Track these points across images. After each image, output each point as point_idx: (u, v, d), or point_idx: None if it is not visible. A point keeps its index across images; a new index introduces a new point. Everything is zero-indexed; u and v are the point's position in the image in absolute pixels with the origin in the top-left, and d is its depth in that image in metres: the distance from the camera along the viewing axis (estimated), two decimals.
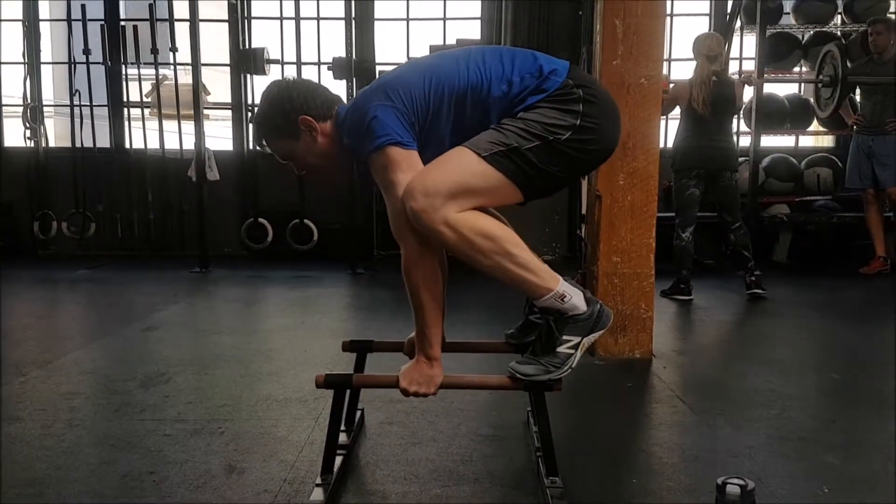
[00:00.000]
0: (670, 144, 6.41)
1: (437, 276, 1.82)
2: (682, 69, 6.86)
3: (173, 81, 6.35)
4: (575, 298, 1.82)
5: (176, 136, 6.43)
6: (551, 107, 1.78)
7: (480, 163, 1.74)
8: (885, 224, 5.54)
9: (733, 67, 6.44)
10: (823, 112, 5.26)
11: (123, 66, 6.54)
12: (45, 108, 6.75)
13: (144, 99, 6.65)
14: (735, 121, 4.70)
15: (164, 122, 6.50)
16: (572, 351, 1.82)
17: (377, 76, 5.90)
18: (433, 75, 1.81)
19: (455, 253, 1.81)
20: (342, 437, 2.07)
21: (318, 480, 1.85)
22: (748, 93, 5.27)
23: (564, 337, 1.82)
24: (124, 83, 6.64)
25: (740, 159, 5.01)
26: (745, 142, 6.27)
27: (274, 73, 6.53)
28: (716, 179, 4.58)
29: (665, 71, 5.49)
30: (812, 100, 6.15)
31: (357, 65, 6.20)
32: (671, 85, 4.95)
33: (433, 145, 1.82)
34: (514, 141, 1.75)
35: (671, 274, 4.51)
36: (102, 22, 6.53)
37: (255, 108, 1.97)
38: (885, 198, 5.45)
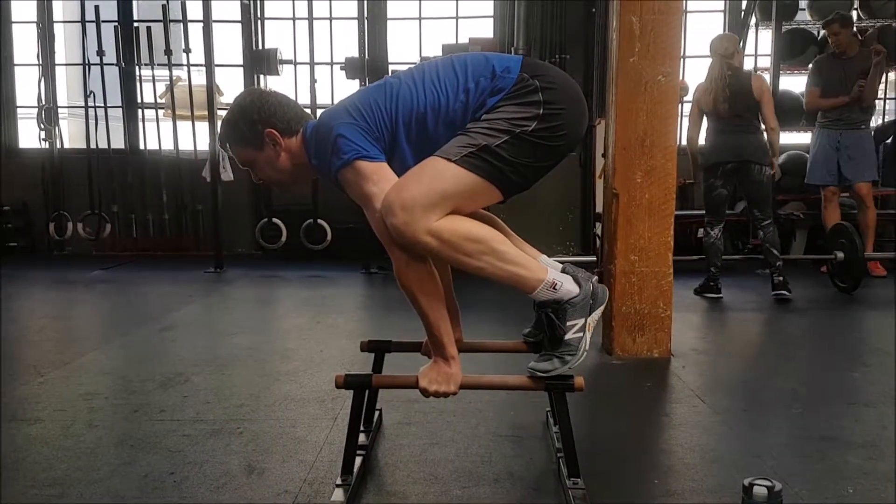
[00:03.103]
0: (685, 142, 6.44)
1: (433, 276, 1.81)
2: (697, 66, 6.83)
3: (187, 82, 6.38)
4: (566, 284, 1.83)
5: (190, 137, 6.46)
6: (512, 103, 1.78)
7: (453, 167, 1.74)
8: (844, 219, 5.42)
9: (748, 64, 6.40)
10: None
11: (137, 68, 6.57)
12: (60, 110, 6.77)
13: (158, 100, 6.67)
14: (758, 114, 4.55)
15: (179, 123, 6.52)
16: (580, 334, 1.83)
17: (389, 75, 5.89)
18: (394, 96, 1.82)
19: (443, 259, 1.82)
20: (361, 438, 2.06)
21: (339, 481, 1.85)
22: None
23: (568, 323, 1.83)
24: (138, 84, 6.67)
25: None
26: None
27: (287, 73, 6.55)
28: (744, 173, 4.50)
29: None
30: None
31: (370, 64, 6.20)
32: (688, 86, 4.94)
33: (397, 165, 1.82)
34: (482, 140, 1.75)
35: (683, 273, 4.48)
36: (116, 23, 6.55)
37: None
38: (853, 194, 5.36)
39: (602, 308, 1.90)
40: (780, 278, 4.49)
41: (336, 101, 1.97)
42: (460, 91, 1.80)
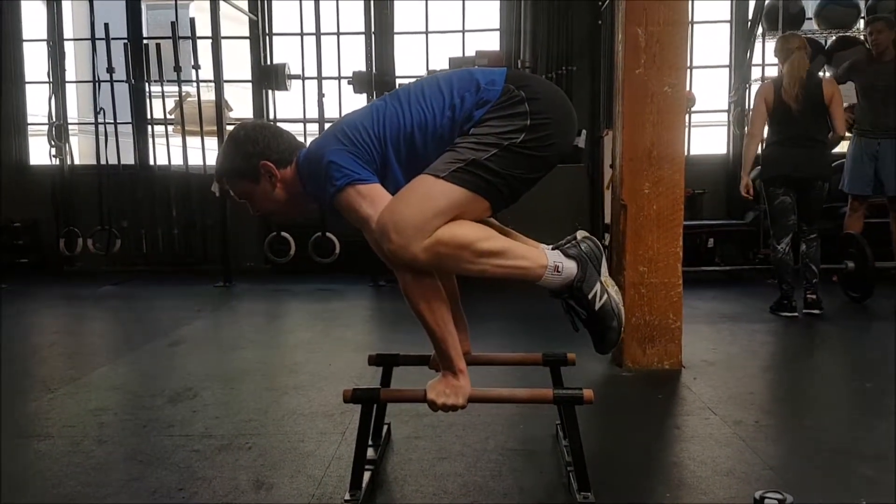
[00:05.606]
0: (693, 152, 6.44)
1: (438, 290, 1.82)
2: (704, 77, 6.83)
3: (196, 98, 6.42)
4: (565, 262, 1.85)
5: (199, 152, 6.49)
6: (498, 115, 1.79)
7: (441, 184, 1.74)
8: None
9: (755, 74, 6.40)
10: None
11: (147, 84, 6.63)
12: (70, 126, 6.83)
13: (168, 116, 6.72)
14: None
15: (188, 139, 6.57)
16: (605, 297, 1.87)
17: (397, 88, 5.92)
18: (381, 118, 1.84)
19: (443, 271, 1.83)
20: (369, 452, 2.05)
21: (347, 496, 1.84)
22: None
23: (590, 296, 1.85)
24: (148, 100, 6.73)
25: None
26: None
27: (295, 88, 6.58)
28: (806, 188, 4.30)
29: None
30: None
31: (377, 78, 6.23)
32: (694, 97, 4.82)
33: (389, 187, 1.83)
34: (469, 155, 1.75)
35: (693, 284, 4.45)
36: (126, 40, 6.62)
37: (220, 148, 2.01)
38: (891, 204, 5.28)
39: (605, 259, 1.91)
40: (814, 296, 4.33)
41: (343, 115, 1.98)
42: (446, 108, 1.81)
